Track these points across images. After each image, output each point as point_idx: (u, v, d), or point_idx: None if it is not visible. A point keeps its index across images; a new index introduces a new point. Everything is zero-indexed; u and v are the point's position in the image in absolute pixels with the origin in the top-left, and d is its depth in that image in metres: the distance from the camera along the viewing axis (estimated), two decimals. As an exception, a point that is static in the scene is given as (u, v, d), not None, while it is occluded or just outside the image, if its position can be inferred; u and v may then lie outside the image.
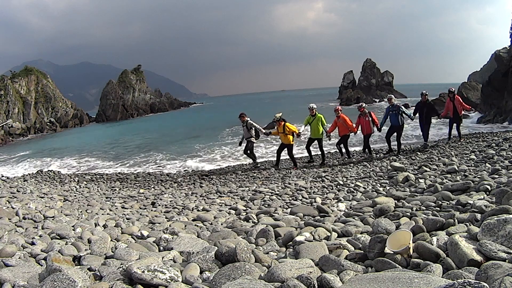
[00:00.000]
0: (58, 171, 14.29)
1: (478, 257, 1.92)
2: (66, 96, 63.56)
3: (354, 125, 10.72)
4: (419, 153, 10.18)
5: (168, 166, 14.46)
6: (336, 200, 5.97)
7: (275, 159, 11.11)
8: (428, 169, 7.07)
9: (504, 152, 7.75)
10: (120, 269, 2.25)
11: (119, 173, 13.38)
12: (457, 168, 6.52)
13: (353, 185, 6.96)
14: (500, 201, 3.26)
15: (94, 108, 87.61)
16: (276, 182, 8.37)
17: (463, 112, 11.33)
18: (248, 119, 10.82)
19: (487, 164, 6.82)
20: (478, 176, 5.62)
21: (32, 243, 3.67)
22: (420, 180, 6.26)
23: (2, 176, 12.49)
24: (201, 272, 2.38)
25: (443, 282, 1.51)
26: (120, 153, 19.80)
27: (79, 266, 2.61)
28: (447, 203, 4.16)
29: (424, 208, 4.20)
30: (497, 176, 5.35)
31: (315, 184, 7.57)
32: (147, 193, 8.59)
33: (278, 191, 7.16)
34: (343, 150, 11.07)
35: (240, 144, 11.57)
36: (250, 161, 11.56)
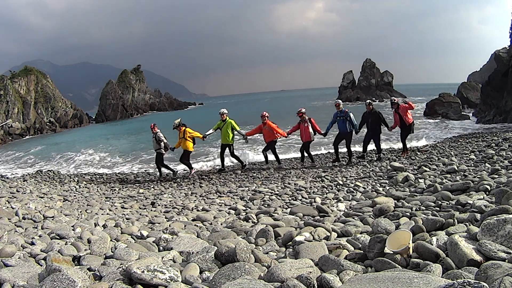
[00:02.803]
0: (58, 171, 14.28)
1: (478, 257, 1.92)
2: (66, 96, 63.53)
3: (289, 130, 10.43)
4: (373, 163, 9.64)
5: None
6: (335, 200, 5.97)
7: (274, 159, 11.06)
8: (427, 169, 7.07)
9: (504, 152, 7.76)
10: (120, 269, 2.25)
11: (118, 173, 13.37)
12: (456, 168, 6.52)
13: (352, 185, 6.97)
14: (499, 201, 3.26)
15: (93, 108, 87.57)
16: (276, 182, 8.37)
17: (412, 120, 10.30)
18: (158, 131, 10.55)
19: (486, 164, 6.82)
20: (478, 176, 5.63)
21: (32, 243, 3.67)
22: (420, 180, 6.26)
23: (2, 176, 12.49)
24: (200, 272, 2.38)
25: (442, 282, 1.51)
26: (120, 153, 19.79)
27: (78, 266, 2.61)
28: (447, 203, 4.16)
29: (423, 208, 4.21)
30: (496, 176, 5.36)
31: (314, 184, 7.57)
32: (147, 193, 8.59)
33: (277, 191, 7.16)
34: (306, 154, 10.61)
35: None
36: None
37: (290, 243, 3.23)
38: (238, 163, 11.04)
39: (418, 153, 10.50)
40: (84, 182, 10.99)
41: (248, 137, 10.38)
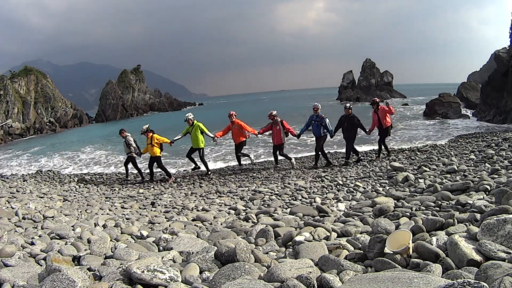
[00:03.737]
0: (58, 171, 14.28)
1: (478, 257, 1.93)
2: (66, 96, 63.53)
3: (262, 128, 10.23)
4: (343, 167, 9.56)
5: (167, 166, 14.42)
6: (335, 200, 5.97)
7: (273, 159, 11.03)
8: (427, 169, 7.07)
9: (504, 152, 7.76)
10: (120, 269, 2.25)
11: (118, 173, 13.36)
12: (456, 168, 6.52)
13: (352, 185, 6.97)
14: (499, 201, 3.26)
15: (93, 108, 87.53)
16: (276, 182, 8.37)
17: (390, 123, 10.12)
18: (128, 135, 10.51)
19: (486, 164, 6.83)
20: (478, 176, 5.63)
21: (32, 243, 3.67)
22: (420, 180, 6.26)
23: (2, 176, 12.49)
24: (200, 272, 2.38)
25: (442, 282, 1.51)
26: (120, 153, 19.77)
27: (78, 266, 2.61)
28: (447, 203, 4.16)
29: (423, 208, 4.21)
30: (496, 176, 5.36)
31: (314, 184, 7.57)
32: (147, 193, 8.59)
33: (277, 191, 7.16)
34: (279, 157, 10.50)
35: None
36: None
37: (290, 243, 3.23)
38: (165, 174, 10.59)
39: (418, 153, 10.50)
40: (84, 182, 10.99)
41: (217, 139, 10.15)
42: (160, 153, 10.24)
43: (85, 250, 3.33)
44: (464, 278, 1.69)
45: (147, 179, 10.51)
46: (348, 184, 7.09)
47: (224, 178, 9.75)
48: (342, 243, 2.87)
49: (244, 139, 10.27)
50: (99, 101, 63.03)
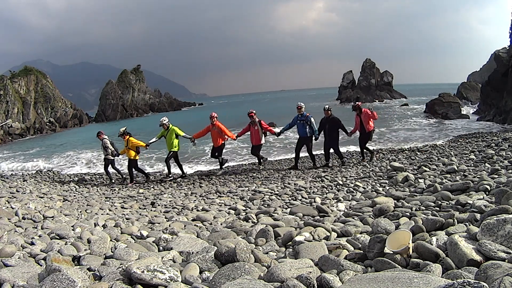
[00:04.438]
0: (58, 171, 14.27)
1: (478, 257, 1.93)
2: (66, 96, 63.54)
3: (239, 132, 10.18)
4: (319, 170, 9.40)
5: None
6: (335, 200, 5.97)
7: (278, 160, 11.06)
8: (427, 169, 7.07)
9: (504, 152, 7.77)
10: (120, 269, 2.25)
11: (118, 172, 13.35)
12: (456, 168, 6.52)
13: (352, 185, 6.96)
14: (499, 201, 3.26)
15: (93, 108, 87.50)
16: (276, 182, 8.37)
17: (373, 128, 9.93)
18: (105, 137, 10.54)
19: (486, 164, 6.83)
20: (478, 176, 5.63)
21: (32, 243, 3.67)
22: (420, 180, 6.26)
23: (2, 176, 12.48)
24: (200, 272, 2.38)
25: (442, 282, 1.51)
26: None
27: (78, 266, 2.61)
28: (447, 203, 4.16)
29: (423, 208, 4.21)
30: (496, 176, 5.36)
31: (314, 184, 7.57)
32: (147, 193, 8.59)
33: (277, 191, 7.16)
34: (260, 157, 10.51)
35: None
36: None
37: (290, 243, 3.23)
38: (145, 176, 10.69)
39: (418, 153, 10.51)
40: (84, 182, 10.99)
41: (195, 140, 10.12)
42: (137, 156, 10.36)
43: (85, 250, 3.33)
44: (464, 278, 1.69)
45: (127, 179, 10.61)
46: (348, 184, 7.09)
47: (224, 178, 9.75)
48: (342, 243, 2.87)
49: (223, 142, 10.19)
50: (99, 101, 63.03)
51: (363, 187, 6.72)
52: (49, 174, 13.35)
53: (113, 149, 10.59)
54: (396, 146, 14.34)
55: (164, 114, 62.70)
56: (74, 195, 8.46)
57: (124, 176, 10.88)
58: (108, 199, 7.94)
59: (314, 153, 10.45)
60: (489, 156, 7.58)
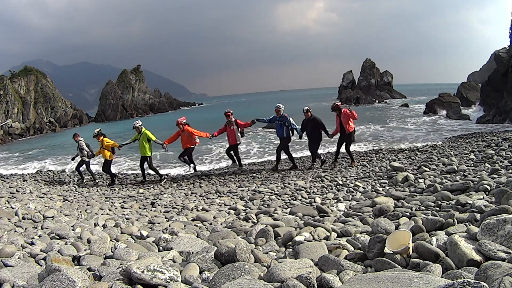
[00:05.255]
0: (58, 171, 14.27)
1: (478, 257, 1.93)
2: (66, 96, 63.55)
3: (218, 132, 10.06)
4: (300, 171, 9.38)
5: (167, 166, 14.43)
6: (335, 200, 5.97)
7: (274, 159, 11.03)
8: (427, 169, 7.07)
9: (504, 152, 7.77)
10: (120, 269, 2.25)
11: (118, 173, 13.35)
12: (456, 168, 6.52)
13: (352, 185, 6.96)
14: (499, 201, 3.26)
15: (93, 108, 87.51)
16: (276, 182, 8.37)
17: (353, 128, 9.74)
18: (81, 139, 10.57)
19: (486, 164, 6.83)
20: (478, 176, 5.63)
21: (32, 243, 3.67)
22: (420, 180, 6.26)
23: (2, 176, 12.48)
24: (200, 272, 2.38)
25: (442, 282, 1.51)
26: (119, 152, 19.78)
27: (78, 266, 2.61)
28: (447, 203, 4.16)
29: (423, 208, 4.21)
30: (496, 176, 5.36)
31: (314, 184, 7.57)
32: (147, 193, 8.59)
33: (277, 191, 7.16)
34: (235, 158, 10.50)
35: (72, 159, 11.31)
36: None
37: (290, 243, 3.23)
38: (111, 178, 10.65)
39: (418, 153, 10.51)
40: (84, 182, 10.98)
41: (166, 145, 10.04)
42: (112, 157, 10.42)
43: (85, 250, 3.33)
44: (464, 278, 1.69)
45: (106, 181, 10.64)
46: (348, 184, 7.09)
47: (224, 178, 9.75)
48: (342, 243, 2.87)
49: (191, 146, 10.10)
50: (99, 101, 63.06)
51: (363, 187, 6.72)
52: (49, 174, 13.34)
53: (88, 150, 10.67)
54: (396, 146, 14.35)
55: (164, 114, 62.83)
56: (74, 195, 8.46)
57: (96, 178, 10.94)
58: (108, 199, 7.94)
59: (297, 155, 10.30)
60: (489, 156, 7.59)
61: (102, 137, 10.29)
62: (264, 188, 7.63)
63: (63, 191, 9.18)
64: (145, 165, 10.35)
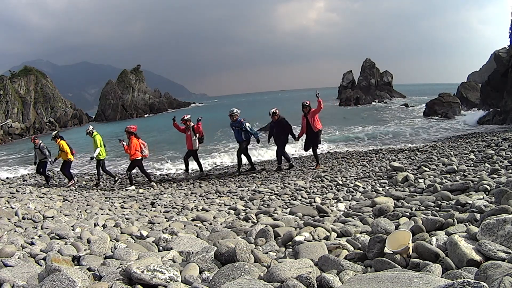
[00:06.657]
0: (58, 171, 14.26)
1: (478, 257, 1.93)
2: (66, 96, 63.60)
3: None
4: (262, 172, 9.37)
5: (167, 166, 14.43)
6: (335, 200, 5.97)
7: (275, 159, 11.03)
8: (427, 169, 7.07)
9: (503, 152, 7.77)
10: (120, 269, 2.25)
11: (118, 173, 13.36)
12: (456, 168, 6.52)
13: (352, 185, 6.96)
14: (499, 201, 3.26)
15: (93, 108, 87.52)
16: (276, 182, 8.37)
17: (321, 126, 9.52)
18: (41, 142, 10.58)
19: (486, 164, 6.82)
20: (478, 176, 5.63)
21: (32, 243, 3.67)
22: (420, 180, 6.26)
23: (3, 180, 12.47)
24: (200, 272, 2.38)
25: (442, 282, 1.51)
26: (119, 153, 19.79)
27: (78, 266, 2.61)
28: (447, 203, 4.16)
29: (423, 208, 4.21)
30: (496, 176, 5.36)
31: (314, 184, 7.57)
32: (147, 193, 8.59)
33: (277, 191, 7.16)
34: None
35: (34, 163, 11.14)
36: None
37: (290, 243, 3.23)
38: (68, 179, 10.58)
39: (418, 153, 10.51)
40: (84, 182, 10.99)
41: (94, 157, 10.09)
42: (71, 157, 10.37)
43: (85, 250, 3.33)
44: (464, 278, 1.69)
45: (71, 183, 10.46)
46: (348, 184, 7.09)
47: (224, 178, 9.75)
48: (342, 243, 2.87)
49: (141, 157, 9.84)
50: (99, 101, 63.11)
51: (363, 187, 6.72)
52: (49, 174, 13.33)
53: (48, 154, 10.61)
54: (396, 146, 14.35)
55: (164, 114, 62.78)
56: (74, 195, 8.46)
57: (49, 180, 10.88)
58: (108, 199, 7.94)
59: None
60: (489, 156, 7.58)
61: (59, 140, 10.30)
62: (264, 188, 7.63)
63: (63, 191, 9.18)
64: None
